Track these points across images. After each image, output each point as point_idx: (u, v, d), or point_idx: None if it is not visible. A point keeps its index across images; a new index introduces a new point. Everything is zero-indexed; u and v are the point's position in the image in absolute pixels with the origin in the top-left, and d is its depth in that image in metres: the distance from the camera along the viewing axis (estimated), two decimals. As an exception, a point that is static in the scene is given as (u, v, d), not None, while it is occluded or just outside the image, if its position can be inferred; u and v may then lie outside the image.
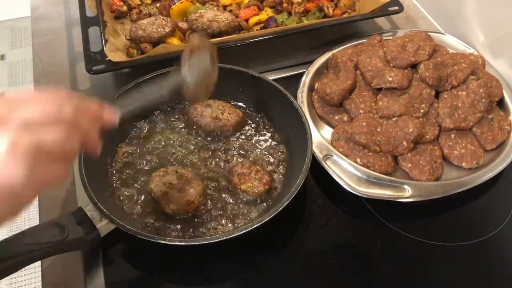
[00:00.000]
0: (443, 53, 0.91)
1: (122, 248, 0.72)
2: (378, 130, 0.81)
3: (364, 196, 0.76)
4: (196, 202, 0.72)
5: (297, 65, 1.00)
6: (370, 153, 0.80)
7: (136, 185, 0.76)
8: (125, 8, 1.05)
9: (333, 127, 0.87)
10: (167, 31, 0.96)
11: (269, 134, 0.84)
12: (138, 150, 0.81)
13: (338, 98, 0.86)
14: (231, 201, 0.75)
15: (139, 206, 0.73)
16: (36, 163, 0.42)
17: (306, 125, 0.77)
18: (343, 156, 0.79)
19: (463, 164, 0.81)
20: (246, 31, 1.01)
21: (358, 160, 0.79)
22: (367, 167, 0.78)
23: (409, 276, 0.73)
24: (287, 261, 0.73)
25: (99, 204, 0.66)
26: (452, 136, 0.83)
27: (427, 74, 0.84)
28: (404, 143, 0.79)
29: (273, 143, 0.83)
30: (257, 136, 0.84)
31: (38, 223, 0.67)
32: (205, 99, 0.76)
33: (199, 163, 0.80)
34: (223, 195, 0.76)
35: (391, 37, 0.97)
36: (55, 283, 0.69)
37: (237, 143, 0.83)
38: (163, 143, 0.82)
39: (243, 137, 0.84)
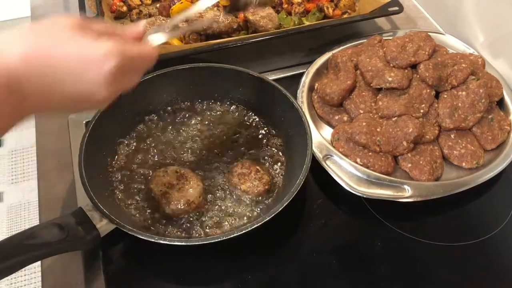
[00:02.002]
0: (443, 53, 0.91)
1: (122, 248, 0.72)
2: (378, 130, 0.81)
3: (364, 196, 0.76)
4: (196, 202, 0.72)
5: (297, 65, 1.00)
6: (370, 153, 0.80)
7: (136, 185, 0.76)
8: (125, 8, 1.05)
9: (333, 127, 0.87)
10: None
11: (269, 134, 0.84)
12: (138, 150, 0.81)
13: (338, 98, 0.86)
14: (231, 201, 0.75)
15: (139, 206, 0.74)
16: (119, 72, 0.49)
17: (306, 125, 0.77)
18: (343, 156, 0.80)
19: (463, 164, 0.81)
20: (245, 32, 1.01)
21: (358, 160, 0.79)
22: (367, 167, 0.78)
23: (409, 276, 0.73)
24: (287, 261, 0.73)
25: (99, 204, 0.66)
26: (452, 136, 0.83)
27: (427, 74, 0.84)
28: (404, 143, 0.79)
29: (273, 143, 0.83)
30: (257, 136, 0.84)
31: (38, 223, 0.67)
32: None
33: (199, 162, 0.80)
34: (223, 195, 0.76)
35: (391, 37, 0.97)
36: (55, 283, 0.69)
37: (237, 143, 0.83)
38: (163, 144, 0.82)
39: (243, 137, 0.84)
